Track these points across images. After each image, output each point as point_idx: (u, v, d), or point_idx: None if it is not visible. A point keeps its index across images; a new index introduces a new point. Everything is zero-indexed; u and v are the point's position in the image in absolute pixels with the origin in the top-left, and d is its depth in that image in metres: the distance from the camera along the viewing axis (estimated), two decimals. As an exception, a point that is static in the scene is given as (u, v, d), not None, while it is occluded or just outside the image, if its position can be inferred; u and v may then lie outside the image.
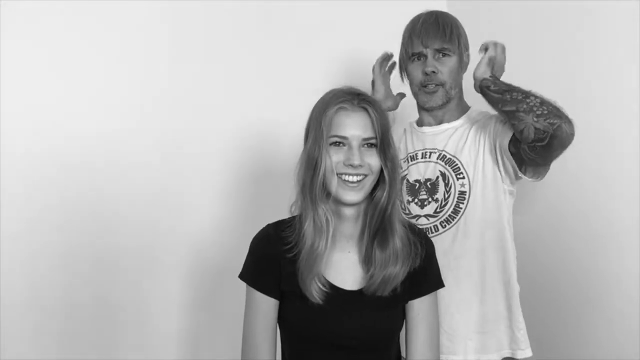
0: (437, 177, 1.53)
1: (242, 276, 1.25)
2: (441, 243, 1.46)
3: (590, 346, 1.70)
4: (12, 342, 1.54)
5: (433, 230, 1.51)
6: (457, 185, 1.50)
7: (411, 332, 1.26)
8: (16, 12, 1.54)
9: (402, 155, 1.62)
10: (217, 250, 1.81)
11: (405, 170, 1.59)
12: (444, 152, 1.54)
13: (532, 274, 1.79)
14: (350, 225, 1.24)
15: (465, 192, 1.49)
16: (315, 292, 1.17)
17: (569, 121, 1.34)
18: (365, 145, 1.18)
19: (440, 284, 1.29)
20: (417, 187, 1.56)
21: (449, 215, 1.50)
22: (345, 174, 1.17)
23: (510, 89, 1.40)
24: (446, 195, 1.51)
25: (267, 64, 1.89)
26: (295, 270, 1.19)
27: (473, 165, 1.50)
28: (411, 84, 1.59)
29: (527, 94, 1.37)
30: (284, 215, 1.27)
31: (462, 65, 1.56)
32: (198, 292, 1.80)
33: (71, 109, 1.63)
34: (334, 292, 1.19)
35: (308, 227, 1.17)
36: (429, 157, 1.57)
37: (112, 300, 1.68)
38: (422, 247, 1.25)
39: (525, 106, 1.35)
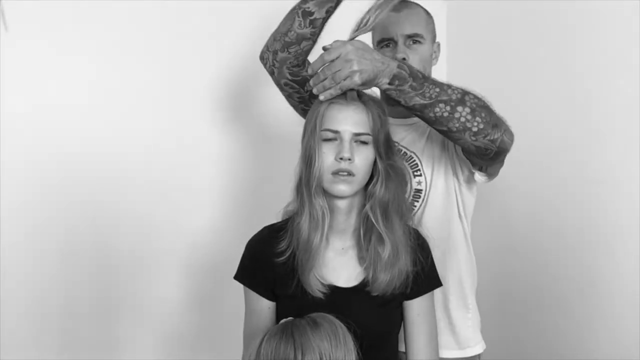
0: None
1: (237, 277, 1.26)
2: None
3: (591, 345, 1.69)
4: (12, 342, 1.55)
5: None
6: (413, 183, 1.36)
7: (411, 332, 1.25)
8: (19, 14, 1.55)
9: None
10: (216, 250, 1.81)
11: None
12: (400, 146, 1.39)
13: (531, 273, 1.77)
14: (342, 219, 1.22)
15: (422, 190, 1.38)
16: (315, 287, 1.17)
17: (507, 129, 1.20)
18: (357, 142, 1.16)
19: (439, 283, 1.28)
20: None
21: None
22: (339, 170, 1.14)
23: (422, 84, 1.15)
24: None
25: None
26: (288, 274, 1.19)
27: (431, 161, 1.37)
28: None
29: (448, 95, 1.14)
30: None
31: (433, 55, 1.43)
32: (198, 292, 1.81)
33: (71, 109, 1.64)
34: (330, 289, 1.19)
35: (304, 222, 1.16)
36: None
37: (112, 301, 1.69)
38: (419, 246, 1.24)
39: (457, 125, 1.15)
